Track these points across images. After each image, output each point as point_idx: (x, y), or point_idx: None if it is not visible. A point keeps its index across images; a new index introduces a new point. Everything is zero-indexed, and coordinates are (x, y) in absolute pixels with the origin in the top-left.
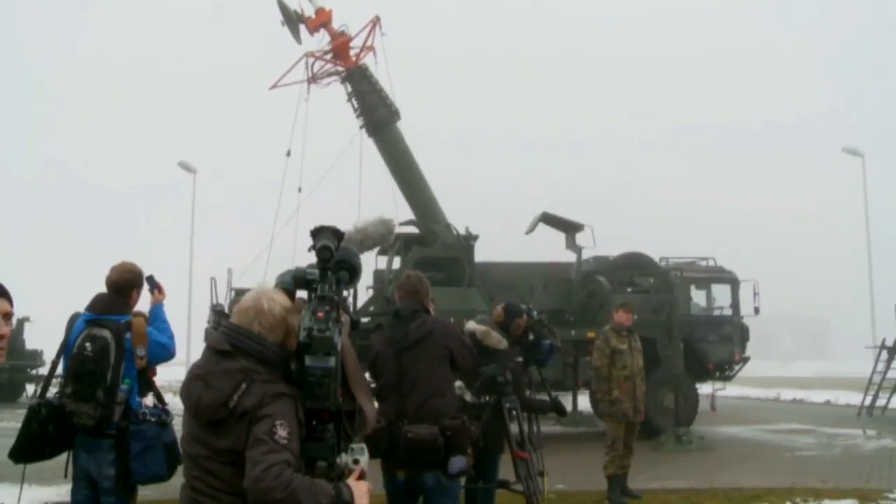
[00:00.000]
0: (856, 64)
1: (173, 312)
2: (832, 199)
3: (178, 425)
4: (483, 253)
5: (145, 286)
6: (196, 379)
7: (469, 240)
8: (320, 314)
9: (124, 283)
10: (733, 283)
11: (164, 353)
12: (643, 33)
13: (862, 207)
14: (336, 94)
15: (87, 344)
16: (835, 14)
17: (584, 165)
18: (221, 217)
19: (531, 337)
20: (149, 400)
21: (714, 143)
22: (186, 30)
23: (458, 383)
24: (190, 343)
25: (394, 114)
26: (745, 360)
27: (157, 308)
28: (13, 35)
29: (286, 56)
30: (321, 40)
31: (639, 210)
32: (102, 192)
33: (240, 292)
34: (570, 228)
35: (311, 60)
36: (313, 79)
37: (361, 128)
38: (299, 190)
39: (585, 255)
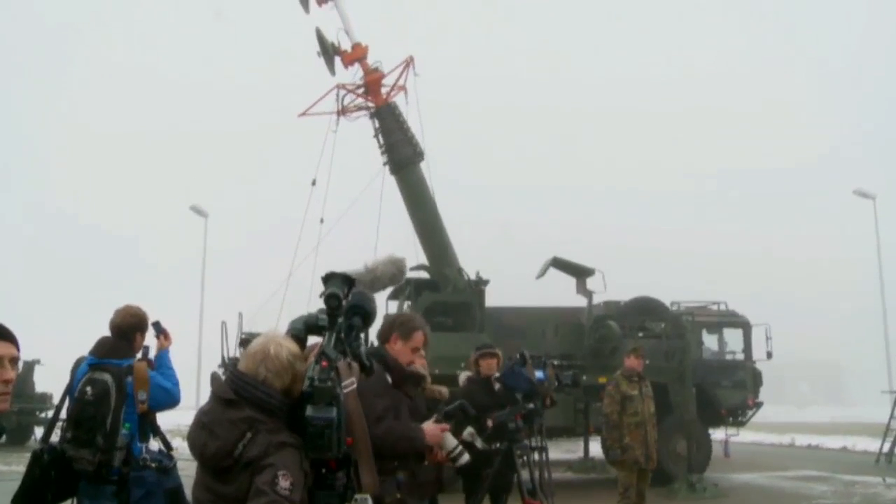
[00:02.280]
0: (863, 106)
1: (183, 356)
2: (844, 242)
3: (185, 469)
4: (494, 297)
5: (151, 331)
6: (201, 427)
7: (480, 284)
8: (324, 363)
9: (127, 327)
10: (745, 327)
11: (168, 398)
12: (653, 85)
13: (875, 250)
14: (364, 128)
15: (88, 388)
16: (840, 58)
17: (594, 211)
18: (233, 261)
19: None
20: (154, 445)
21: (723, 189)
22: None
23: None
24: (199, 387)
25: (418, 154)
26: (759, 405)
27: (162, 354)
28: (15, 78)
29: (307, 86)
30: (354, 74)
31: (649, 255)
32: (114, 238)
33: (245, 340)
34: (580, 273)
35: (342, 93)
36: (343, 111)
37: (385, 164)
38: (321, 221)
39: (596, 299)
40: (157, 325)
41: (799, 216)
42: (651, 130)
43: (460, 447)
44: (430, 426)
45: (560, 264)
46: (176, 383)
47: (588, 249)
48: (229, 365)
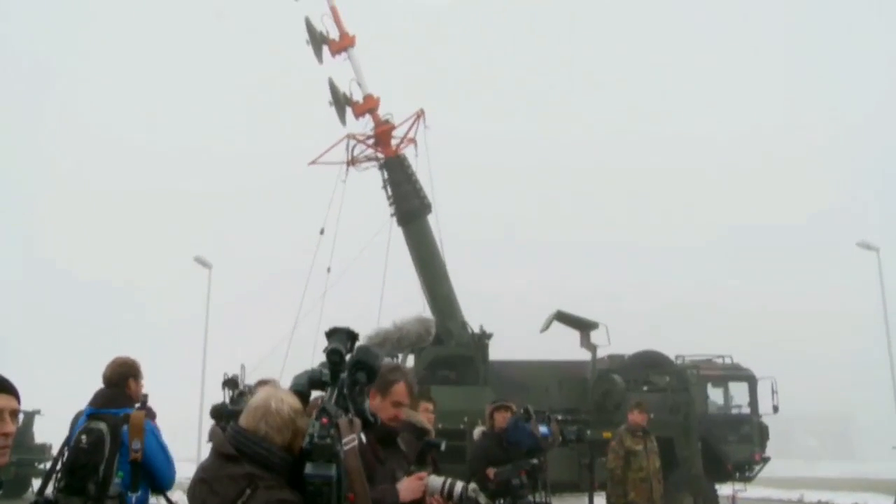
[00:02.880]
0: (867, 159)
1: (186, 410)
2: (849, 294)
3: None
4: (497, 351)
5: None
6: (201, 482)
7: (483, 338)
8: (324, 420)
9: (118, 377)
10: (751, 380)
11: (167, 468)
12: (659, 143)
13: (880, 301)
14: (372, 178)
15: (84, 437)
16: (849, 113)
17: (598, 265)
18: (237, 312)
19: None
20: (153, 501)
21: (728, 244)
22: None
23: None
24: (201, 440)
25: (425, 207)
26: (766, 460)
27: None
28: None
29: (317, 134)
30: (365, 125)
31: (653, 308)
32: (118, 291)
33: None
34: (584, 327)
35: (352, 143)
36: (352, 161)
37: (392, 216)
38: (328, 270)
39: (600, 353)
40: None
41: (804, 269)
42: (658, 187)
43: (450, 479)
44: (406, 481)
45: (564, 318)
46: (172, 465)
47: (592, 303)
48: (221, 412)
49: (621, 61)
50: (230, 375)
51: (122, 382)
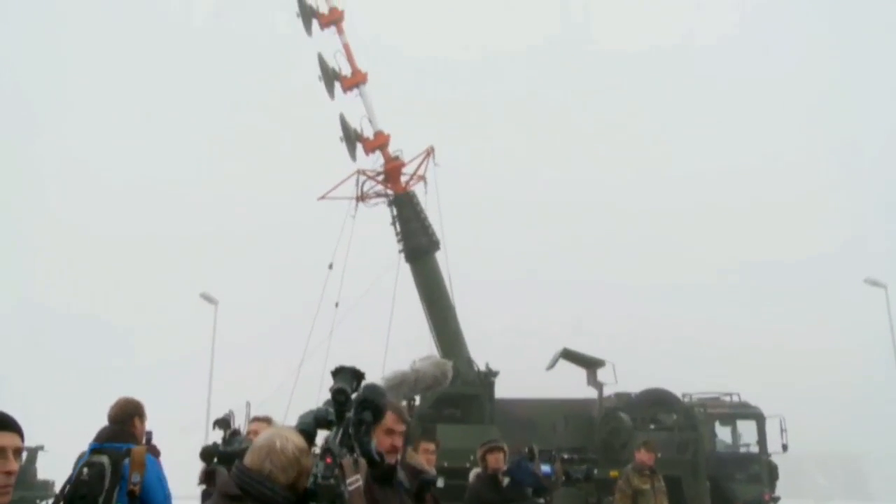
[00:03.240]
0: (874, 196)
1: (190, 447)
2: (858, 331)
3: None
4: (504, 389)
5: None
6: None
7: (490, 376)
8: (328, 460)
9: (124, 415)
10: (759, 418)
11: (164, 502)
12: (658, 183)
13: (889, 338)
14: (381, 214)
15: (85, 469)
16: (850, 148)
17: (604, 302)
18: (243, 349)
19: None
20: None
21: (733, 281)
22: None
23: None
24: None
25: (434, 244)
26: (776, 500)
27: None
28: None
29: (327, 169)
30: (375, 161)
31: (660, 346)
32: (121, 328)
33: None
34: (591, 364)
35: (362, 179)
36: (362, 197)
37: (400, 252)
38: (336, 305)
39: (607, 391)
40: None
41: (812, 306)
42: (664, 225)
43: None
44: None
45: (570, 356)
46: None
47: (598, 341)
48: (212, 454)
49: (630, 101)
50: (223, 415)
51: (127, 420)
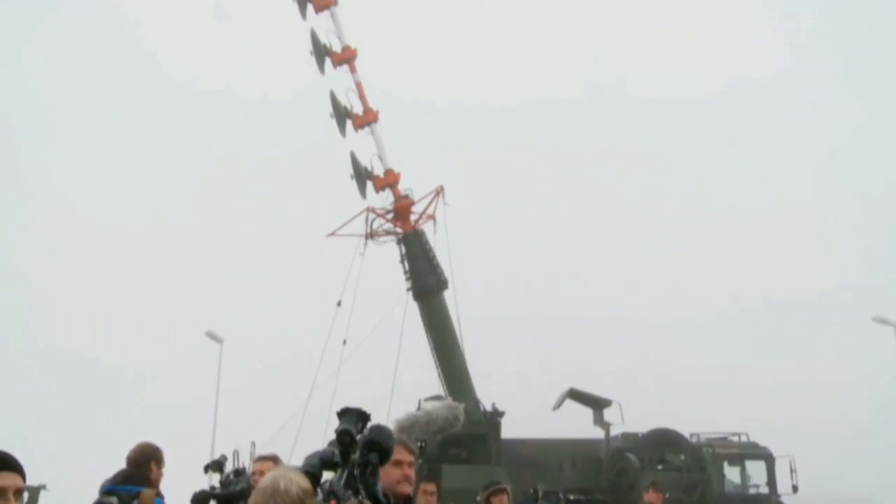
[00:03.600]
0: (881, 233)
1: (192, 489)
2: (867, 370)
3: None
4: (510, 429)
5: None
6: None
7: (496, 416)
8: (332, 502)
9: (142, 458)
10: (768, 459)
11: None
12: (664, 222)
13: None
14: (390, 252)
15: None
16: (857, 186)
17: (611, 343)
18: (248, 387)
19: None
20: None
21: (742, 320)
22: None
23: None
24: None
25: (442, 283)
26: None
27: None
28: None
29: (337, 205)
30: (385, 199)
31: (667, 385)
32: (123, 368)
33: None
34: (597, 404)
35: (371, 216)
36: (371, 235)
37: (409, 290)
38: (344, 343)
39: (614, 431)
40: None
41: (819, 344)
42: (669, 264)
43: None
44: None
45: (577, 395)
46: None
47: (605, 380)
48: (206, 499)
49: (636, 145)
50: (216, 458)
51: (143, 464)
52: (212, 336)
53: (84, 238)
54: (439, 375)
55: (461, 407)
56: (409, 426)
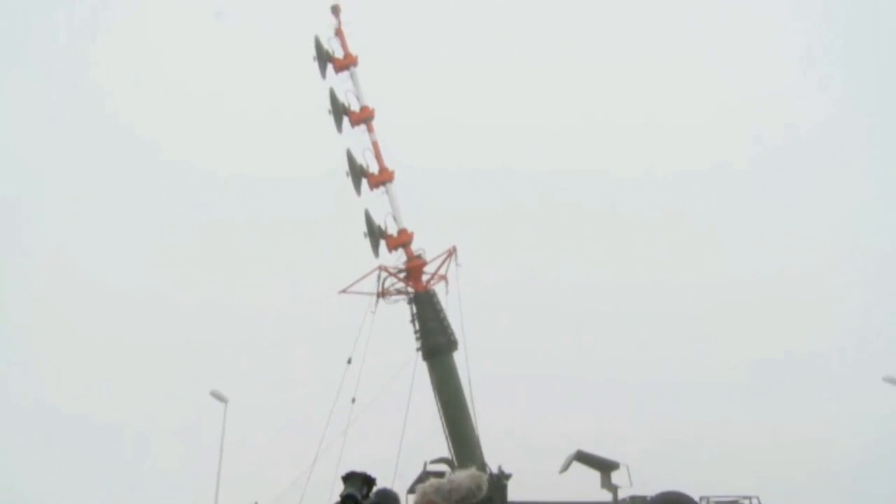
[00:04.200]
0: (890, 293)
1: None
2: (878, 431)
3: None
4: (516, 492)
5: None
6: None
7: (502, 479)
8: None
9: None
10: None
11: None
12: (667, 287)
13: None
14: (401, 309)
15: None
16: (867, 245)
17: (617, 404)
18: (253, 447)
19: None
20: None
21: (748, 379)
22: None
23: None
24: None
25: (452, 343)
26: None
27: None
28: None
29: (349, 261)
30: (398, 259)
31: (676, 447)
32: (125, 427)
33: None
34: (605, 467)
35: (383, 275)
36: (383, 293)
37: (418, 350)
38: (353, 401)
39: (622, 494)
40: None
41: (828, 405)
42: (676, 326)
43: None
44: None
45: (584, 458)
46: None
47: (613, 443)
48: None
49: (640, 210)
50: None
51: None
52: (216, 396)
53: (92, 299)
54: (446, 437)
55: (484, 477)
56: (433, 492)
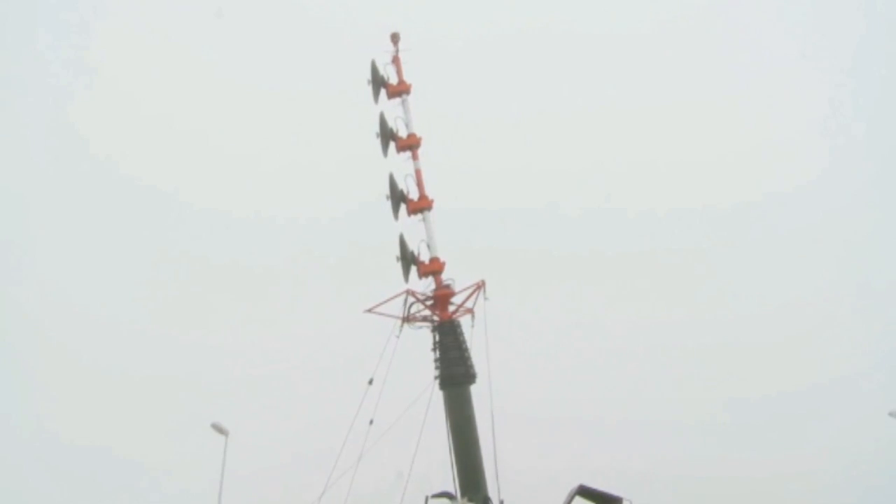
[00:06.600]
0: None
1: None
2: (885, 468)
3: None
4: None
5: None
6: None
7: None
8: None
9: None
10: None
11: None
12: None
13: None
14: (424, 336)
15: None
16: (867, 278)
17: (621, 440)
18: (259, 481)
19: None
20: None
21: (757, 415)
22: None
23: None
24: None
25: (470, 376)
26: None
27: None
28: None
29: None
30: (427, 286)
31: (680, 483)
32: (123, 461)
33: None
34: (608, 502)
35: (410, 300)
36: (408, 318)
37: (436, 378)
38: (371, 422)
39: None
40: None
41: (834, 440)
42: (673, 363)
43: None
44: None
45: (586, 493)
46: None
47: (615, 477)
48: None
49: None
50: None
51: None
52: (217, 429)
53: (102, 333)
54: (452, 467)
55: None
56: None
